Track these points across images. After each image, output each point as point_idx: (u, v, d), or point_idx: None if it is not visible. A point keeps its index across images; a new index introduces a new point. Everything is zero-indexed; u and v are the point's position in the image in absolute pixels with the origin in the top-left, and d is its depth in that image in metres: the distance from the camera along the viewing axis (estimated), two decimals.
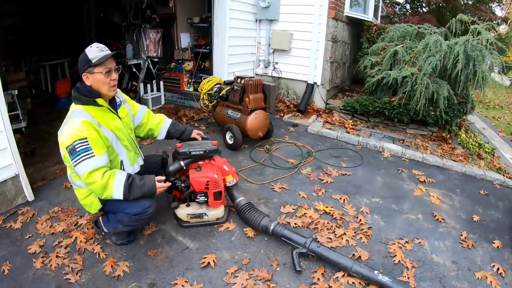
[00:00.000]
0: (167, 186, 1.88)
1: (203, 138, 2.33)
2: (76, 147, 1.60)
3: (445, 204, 2.74)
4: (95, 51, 1.67)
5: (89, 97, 1.71)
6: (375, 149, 3.78)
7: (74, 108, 1.72)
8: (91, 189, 1.74)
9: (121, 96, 2.03)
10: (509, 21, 12.18)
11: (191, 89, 5.24)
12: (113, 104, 1.88)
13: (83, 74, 1.70)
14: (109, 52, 1.70)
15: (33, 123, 4.00)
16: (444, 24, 5.26)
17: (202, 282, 1.77)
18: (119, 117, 1.88)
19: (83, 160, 1.61)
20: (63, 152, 1.69)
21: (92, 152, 1.63)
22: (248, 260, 1.95)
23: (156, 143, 3.53)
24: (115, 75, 1.76)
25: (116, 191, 1.69)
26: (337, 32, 4.85)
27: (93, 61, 1.65)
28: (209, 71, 5.09)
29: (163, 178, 1.87)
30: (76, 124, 1.63)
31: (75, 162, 1.62)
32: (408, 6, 13.61)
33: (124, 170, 1.89)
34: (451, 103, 3.90)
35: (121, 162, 1.88)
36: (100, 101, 1.72)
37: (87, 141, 1.62)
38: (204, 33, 5.49)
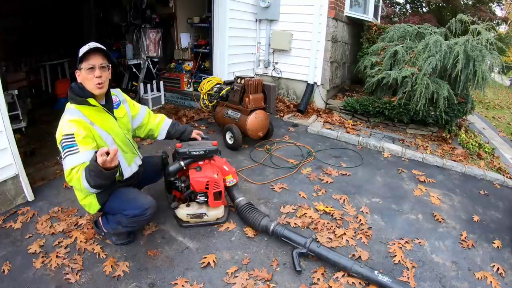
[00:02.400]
0: (108, 154, 1.49)
1: (203, 138, 2.33)
2: (62, 143, 1.61)
3: (445, 204, 2.74)
4: (85, 47, 1.68)
5: (82, 96, 1.71)
6: (375, 149, 3.78)
7: (69, 106, 1.73)
8: (72, 185, 1.69)
9: (121, 96, 2.03)
10: (509, 21, 12.18)
11: (191, 89, 5.24)
12: (109, 104, 1.87)
13: (76, 71, 1.73)
14: (94, 47, 1.67)
15: (33, 123, 4.00)
16: (444, 24, 5.25)
17: (202, 282, 1.77)
18: (114, 117, 1.87)
19: (67, 156, 1.60)
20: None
21: (77, 149, 1.60)
22: (248, 260, 1.95)
23: (156, 143, 3.53)
24: (98, 73, 1.69)
25: (83, 178, 1.57)
26: (337, 32, 4.85)
27: (79, 56, 1.68)
28: (209, 71, 5.08)
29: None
30: (66, 120, 1.65)
31: (62, 158, 1.63)
32: (408, 6, 13.60)
33: (121, 170, 1.89)
34: (451, 103, 3.90)
35: (118, 162, 1.87)
36: (91, 101, 1.71)
37: (73, 137, 1.61)
38: (204, 33, 5.49)
